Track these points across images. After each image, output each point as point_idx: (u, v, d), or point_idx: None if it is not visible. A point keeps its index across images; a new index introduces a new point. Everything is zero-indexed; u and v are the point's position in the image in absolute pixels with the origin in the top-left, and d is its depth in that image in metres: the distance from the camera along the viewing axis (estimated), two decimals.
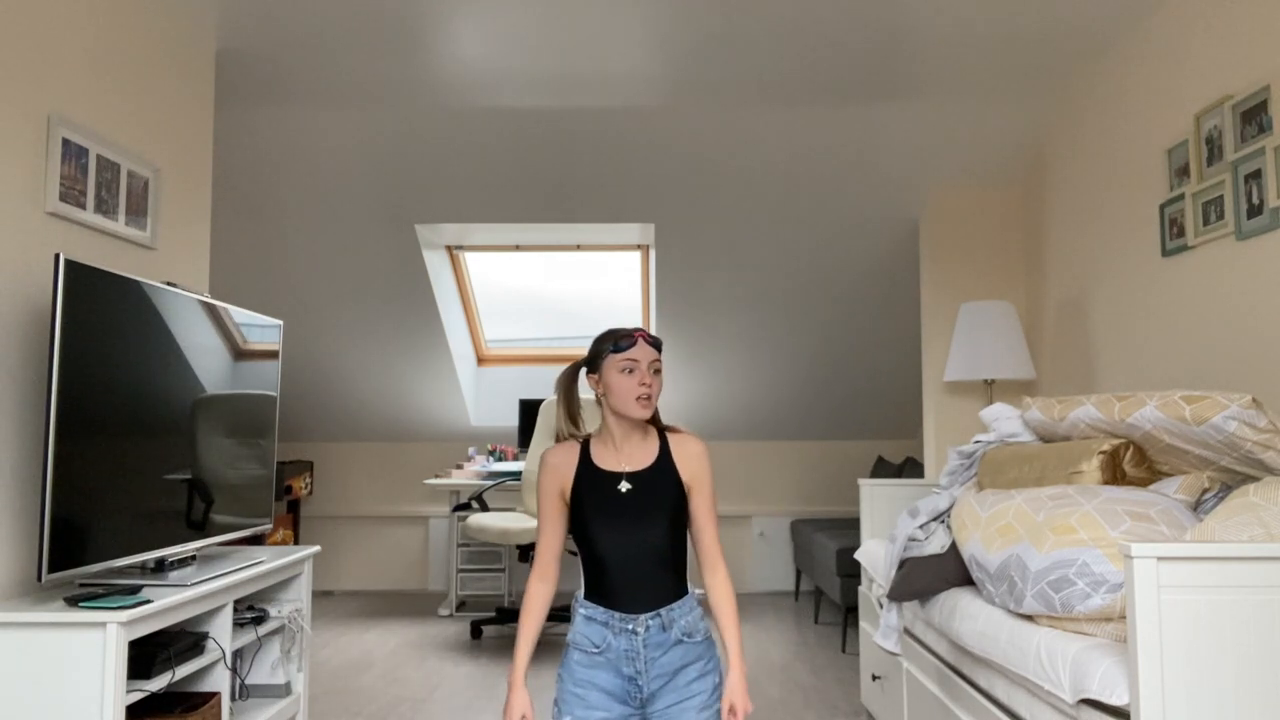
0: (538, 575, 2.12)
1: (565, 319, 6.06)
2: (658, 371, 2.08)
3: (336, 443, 6.29)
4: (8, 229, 2.30)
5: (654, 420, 2.16)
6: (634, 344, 2.05)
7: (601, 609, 2.04)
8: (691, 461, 2.10)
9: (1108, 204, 3.42)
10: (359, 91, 3.71)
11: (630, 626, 2.02)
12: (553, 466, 2.10)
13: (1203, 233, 2.79)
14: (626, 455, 2.09)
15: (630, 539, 2.03)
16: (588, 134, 4.04)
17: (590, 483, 2.06)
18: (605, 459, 2.09)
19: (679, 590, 2.06)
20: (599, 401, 2.12)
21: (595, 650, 2.03)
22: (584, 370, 2.13)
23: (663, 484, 2.07)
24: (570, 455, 2.10)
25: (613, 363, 2.06)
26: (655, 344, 2.09)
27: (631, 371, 2.04)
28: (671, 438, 2.13)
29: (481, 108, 3.86)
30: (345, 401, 5.88)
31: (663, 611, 2.03)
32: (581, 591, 2.10)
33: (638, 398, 2.03)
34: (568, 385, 2.15)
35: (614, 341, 2.07)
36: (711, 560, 2.11)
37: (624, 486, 2.05)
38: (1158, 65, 3.07)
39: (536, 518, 2.07)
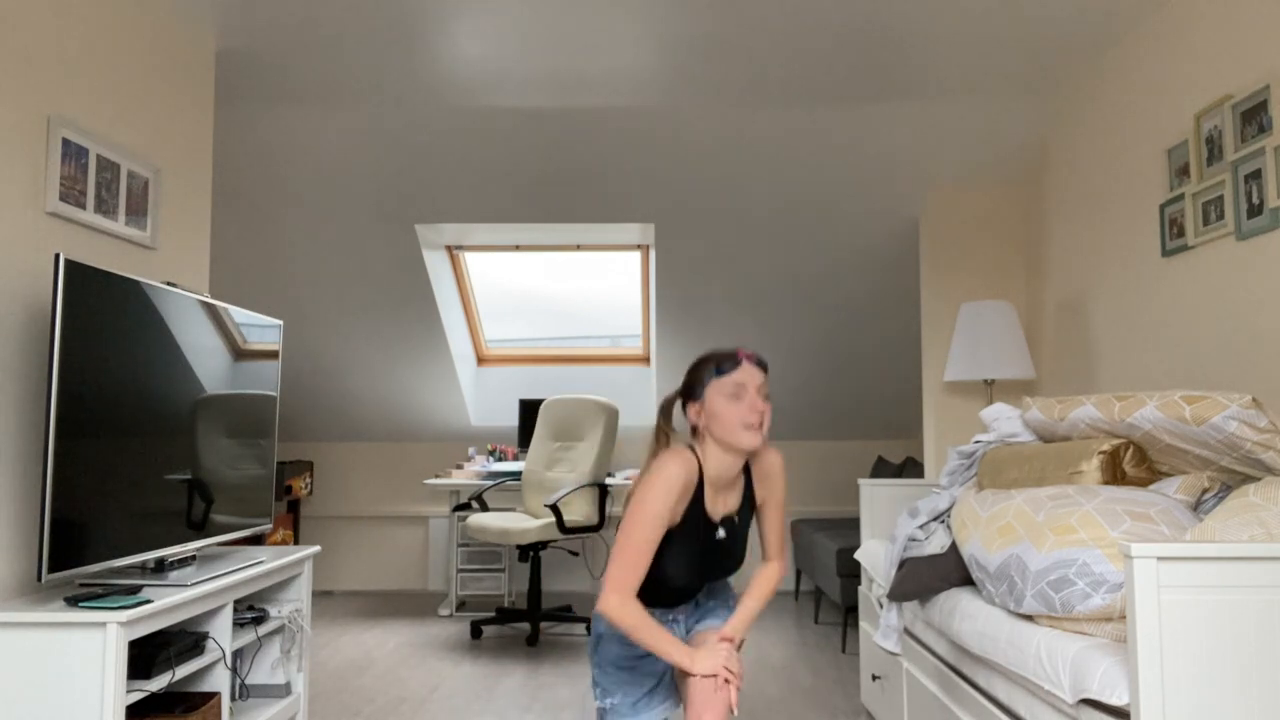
0: (627, 599, 1.83)
1: (565, 319, 6.06)
2: (767, 397, 1.87)
3: (336, 443, 6.29)
4: (8, 229, 2.30)
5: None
6: (738, 365, 1.85)
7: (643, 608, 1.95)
8: (767, 480, 1.98)
9: (1108, 204, 3.42)
10: (359, 91, 3.71)
11: (670, 618, 2.03)
12: (678, 487, 1.84)
13: (1203, 233, 2.79)
14: (725, 496, 1.94)
15: (707, 576, 1.98)
16: (588, 134, 4.03)
17: (693, 524, 1.91)
18: (713, 501, 1.93)
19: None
20: (695, 433, 1.92)
21: (635, 643, 1.96)
22: (680, 401, 1.95)
23: (746, 524, 1.98)
24: (691, 481, 1.88)
25: (718, 388, 1.85)
26: (762, 365, 1.88)
27: (739, 397, 1.84)
28: (752, 461, 1.97)
29: (481, 108, 3.86)
30: (345, 401, 5.88)
31: (699, 597, 2.05)
32: None
33: (746, 425, 1.83)
34: (666, 417, 1.97)
35: (716, 364, 1.87)
36: (771, 554, 2.07)
37: (719, 535, 1.94)
38: (1158, 65, 3.07)
39: (630, 530, 1.83)
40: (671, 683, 2.05)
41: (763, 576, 2.05)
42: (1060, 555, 1.95)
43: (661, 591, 1.99)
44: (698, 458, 1.91)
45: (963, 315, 3.91)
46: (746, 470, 1.99)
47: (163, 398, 2.55)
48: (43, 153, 2.42)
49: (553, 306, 5.98)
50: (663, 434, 1.98)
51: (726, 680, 1.83)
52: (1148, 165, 3.14)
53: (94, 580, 2.42)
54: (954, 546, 2.53)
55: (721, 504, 1.96)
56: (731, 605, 2.08)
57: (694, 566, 1.93)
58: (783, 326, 5.29)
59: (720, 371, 1.87)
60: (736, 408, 1.84)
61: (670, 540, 1.89)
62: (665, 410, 2.00)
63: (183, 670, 2.35)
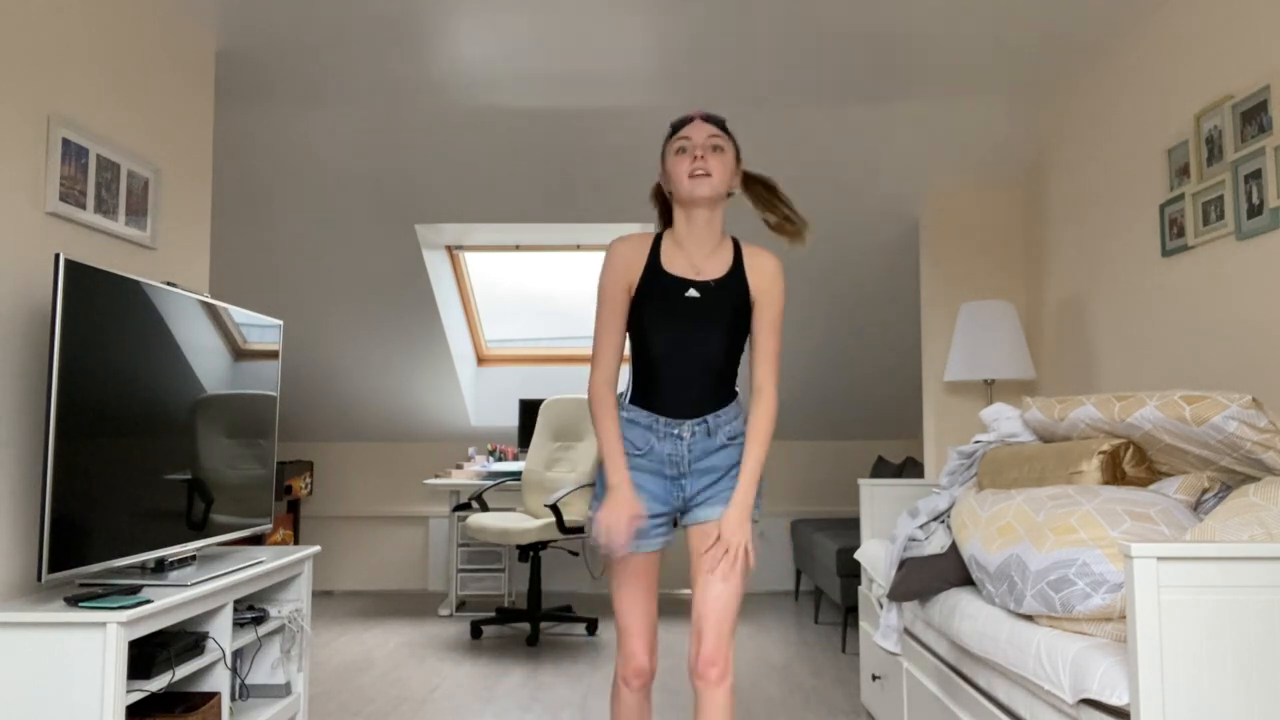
0: (604, 379, 1.99)
1: (565, 319, 6.06)
2: (719, 149, 1.94)
3: (336, 443, 6.29)
4: (8, 229, 2.30)
5: (781, 225, 2.07)
6: (688, 122, 1.94)
7: (646, 413, 1.99)
8: (764, 276, 2.02)
9: (1108, 204, 3.42)
10: (359, 91, 3.71)
11: (675, 431, 1.98)
12: (621, 255, 1.99)
13: (1203, 233, 2.79)
14: (698, 261, 2.00)
15: (688, 346, 1.97)
16: (588, 134, 4.03)
17: (656, 283, 1.97)
18: (675, 262, 2.00)
19: (726, 397, 2.02)
20: (672, 201, 2.01)
21: (638, 453, 1.99)
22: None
23: (731, 297, 1.99)
24: (641, 247, 2.00)
25: (669, 147, 1.95)
26: (715, 121, 1.95)
27: (684, 151, 1.93)
28: (746, 249, 2.04)
29: (481, 108, 3.86)
30: (345, 401, 5.88)
31: (709, 418, 1.99)
32: (627, 396, 2.05)
33: (690, 174, 1.91)
34: (660, 198, 2.07)
35: (672, 126, 1.97)
36: (758, 386, 2.02)
37: (690, 293, 1.97)
38: (1158, 65, 3.07)
39: (596, 315, 2.03)
40: (670, 523, 2.05)
41: (757, 422, 2.00)
42: (1060, 555, 1.95)
43: (659, 379, 1.98)
44: (657, 234, 2.04)
45: (963, 315, 3.91)
46: (739, 256, 2.04)
47: (163, 398, 2.55)
48: (43, 153, 2.42)
49: (553, 306, 5.98)
50: (659, 213, 2.07)
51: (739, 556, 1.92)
52: (1148, 165, 3.14)
53: (94, 580, 2.42)
54: (954, 546, 2.53)
55: (688, 265, 1.99)
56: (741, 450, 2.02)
57: (672, 330, 1.95)
58: (783, 326, 5.28)
59: (673, 131, 1.97)
60: (683, 161, 1.93)
61: (643, 305, 1.97)
62: (654, 200, 2.08)
63: (183, 670, 2.35)
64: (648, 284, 1.97)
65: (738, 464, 2.01)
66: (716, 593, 1.94)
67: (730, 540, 1.92)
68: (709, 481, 2.01)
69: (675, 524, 2.09)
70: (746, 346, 2.09)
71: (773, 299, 2.03)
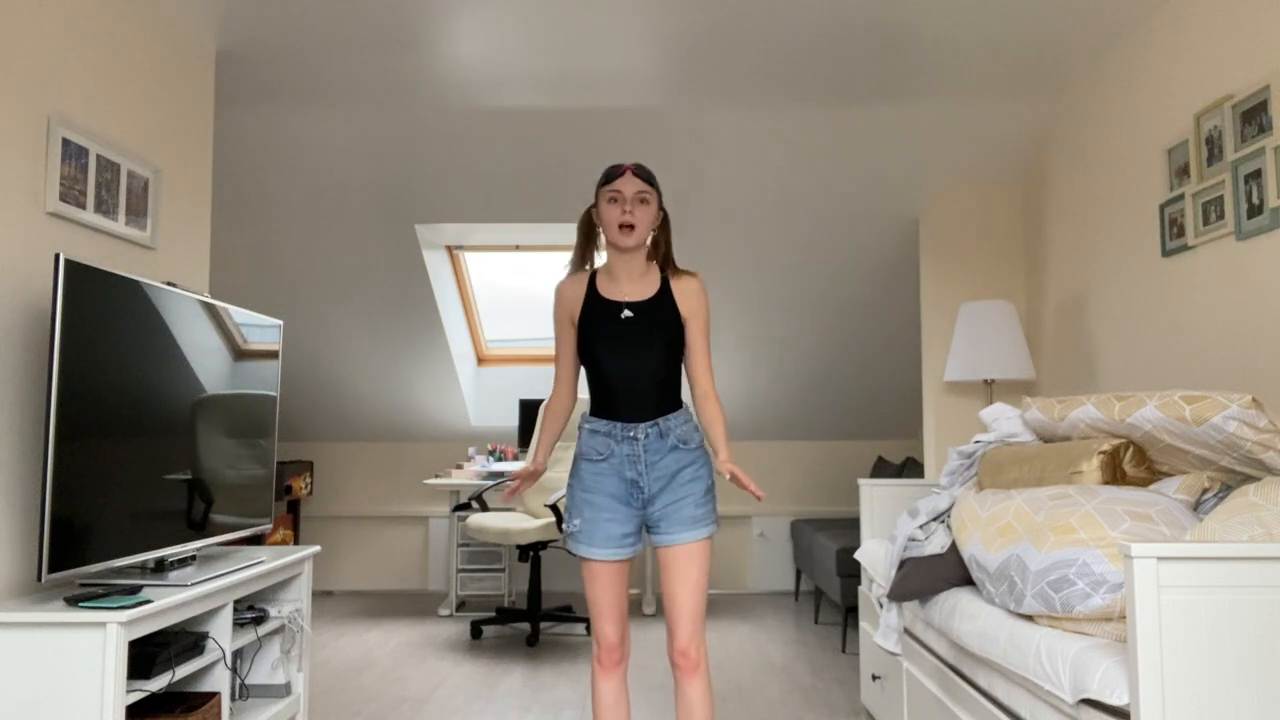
0: (556, 395, 2.38)
1: None
2: (645, 202, 2.22)
3: (336, 443, 6.29)
4: (8, 229, 2.30)
5: (663, 260, 2.32)
6: (620, 175, 2.21)
7: (605, 421, 2.27)
8: (689, 297, 2.30)
9: (1108, 204, 3.42)
10: (359, 91, 3.71)
11: (631, 434, 2.25)
12: (562, 293, 2.35)
13: (1203, 233, 2.79)
14: (629, 287, 2.29)
15: (630, 359, 2.24)
16: (588, 134, 4.03)
17: (595, 310, 2.27)
18: (609, 289, 2.29)
19: (674, 404, 2.30)
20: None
21: (600, 458, 2.26)
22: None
23: (661, 314, 2.27)
24: (578, 285, 2.32)
25: (602, 194, 2.23)
26: (645, 176, 2.22)
27: (615, 202, 2.20)
28: (672, 275, 2.31)
29: (481, 108, 3.86)
30: (345, 401, 5.88)
31: (659, 421, 2.26)
32: (588, 410, 2.33)
33: (620, 226, 2.20)
34: (586, 225, 2.33)
35: (605, 175, 2.24)
36: (703, 392, 2.33)
37: (625, 314, 2.26)
38: (1158, 65, 3.07)
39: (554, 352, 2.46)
40: (637, 533, 2.29)
41: (711, 417, 2.31)
42: (1060, 555, 1.95)
43: (611, 390, 2.26)
44: (592, 271, 2.34)
45: (963, 315, 3.91)
46: (665, 280, 2.31)
47: (163, 398, 2.55)
48: (43, 153, 2.42)
49: (552, 307, 5.97)
50: (578, 251, 2.34)
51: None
52: (1148, 165, 3.14)
53: (94, 580, 2.43)
54: (954, 546, 2.53)
55: (621, 291, 2.28)
56: (695, 450, 2.29)
57: (614, 346, 2.23)
58: (783, 326, 5.29)
59: (606, 180, 2.22)
60: (613, 210, 2.20)
61: (588, 330, 2.26)
62: (581, 226, 2.34)
63: (183, 670, 2.35)
64: (589, 312, 2.27)
65: (687, 466, 2.27)
66: (686, 589, 2.26)
67: (738, 470, 2.24)
68: (663, 485, 2.25)
69: (645, 530, 2.33)
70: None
71: (700, 315, 2.31)
